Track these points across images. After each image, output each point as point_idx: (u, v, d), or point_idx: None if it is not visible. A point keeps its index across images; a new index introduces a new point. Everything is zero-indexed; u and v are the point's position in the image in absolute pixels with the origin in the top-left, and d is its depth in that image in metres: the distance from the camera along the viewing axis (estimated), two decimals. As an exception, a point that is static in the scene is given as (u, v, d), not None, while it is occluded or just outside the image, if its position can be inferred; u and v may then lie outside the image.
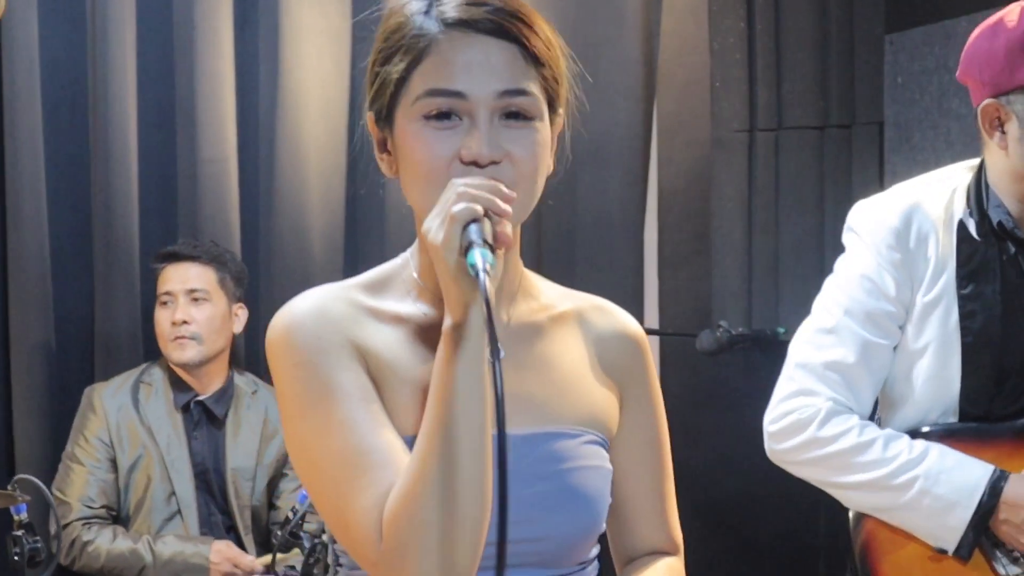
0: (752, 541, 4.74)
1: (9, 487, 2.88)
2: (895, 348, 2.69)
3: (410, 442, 1.58)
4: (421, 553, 1.49)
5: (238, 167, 4.32)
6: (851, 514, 2.74)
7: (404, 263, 1.74)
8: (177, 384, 3.93)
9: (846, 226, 2.76)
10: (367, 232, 4.49)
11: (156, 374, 3.95)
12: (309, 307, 1.64)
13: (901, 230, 2.65)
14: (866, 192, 4.82)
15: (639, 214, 4.63)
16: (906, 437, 2.64)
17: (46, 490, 3.01)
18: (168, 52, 4.28)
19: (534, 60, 1.62)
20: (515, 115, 1.60)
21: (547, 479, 1.65)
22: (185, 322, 3.88)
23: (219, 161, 4.26)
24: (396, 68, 1.62)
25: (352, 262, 4.45)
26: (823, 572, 4.62)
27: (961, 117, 4.44)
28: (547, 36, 1.64)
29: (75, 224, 4.21)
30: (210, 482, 3.91)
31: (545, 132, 1.63)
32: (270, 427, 3.97)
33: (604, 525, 1.73)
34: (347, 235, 4.47)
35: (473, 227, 1.48)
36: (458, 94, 1.58)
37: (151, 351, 4.16)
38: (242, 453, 3.92)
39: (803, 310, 4.79)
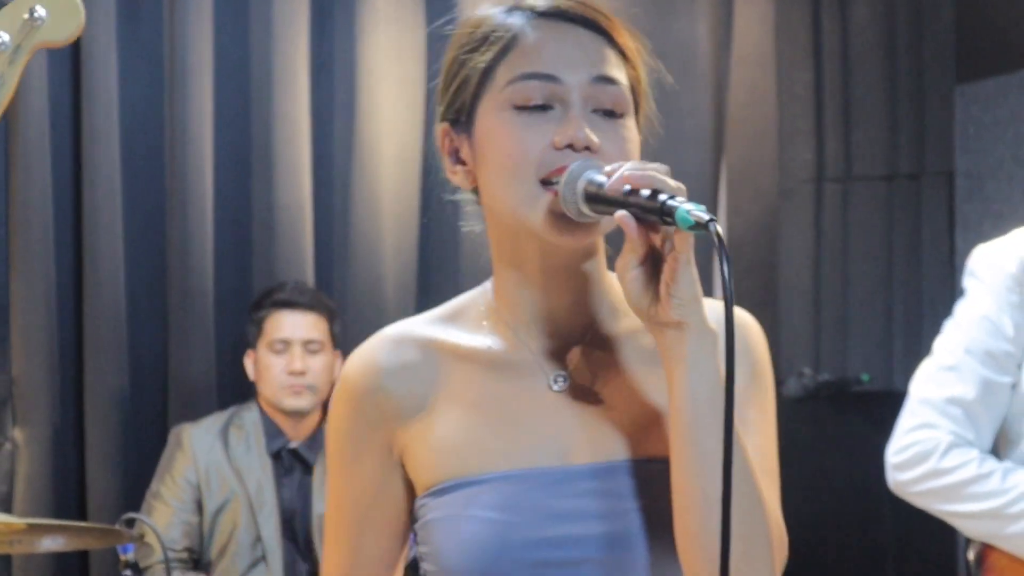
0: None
1: (117, 525, 2.84)
2: (1013, 387, 2.76)
3: (490, 479, 1.56)
4: None
5: (313, 213, 4.32)
6: (971, 544, 2.81)
7: (483, 291, 1.68)
8: (270, 429, 3.90)
9: (967, 270, 2.84)
10: (440, 281, 4.48)
11: (248, 418, 3.91)
12: (354, 384, 1.67)
13: (1019, 275, 2.73)
14: (935, 242, 4.88)
15: (707, 264, 4.62)
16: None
17: (157, 530, 2.97)
18: (245, 98, 4.29)
19: (621, 54, 1.59)
20: (605, 112, 1.56)
21: (620, 516, 1.56)
22: (303, 372, 3.86)
23: (294, 207, 4.26)
24: (481, 59, 1.57)
25: (424, 309, 4.37)
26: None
27: (1038, 168, 4.45)
28: (632, 35, 1.61)
29: (151, 269, 4.20)
30: (295, 529, 3.87)
31: (634, 130, 1.59)
32: (356, 478, 3.93)
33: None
34: (420, 283, 4.46)
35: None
36: (552, 78, 1.54)
37: (225, 397, 4.14)
38: None
39: (872, 360, 4.82)
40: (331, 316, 3.98)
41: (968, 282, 2.82)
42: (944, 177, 4.85)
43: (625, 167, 1.47)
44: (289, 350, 3.89)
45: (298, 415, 3.89)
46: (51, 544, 2.92)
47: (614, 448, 1.58)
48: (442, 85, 1.64)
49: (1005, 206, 4.51)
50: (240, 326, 4.15)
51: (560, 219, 1.53)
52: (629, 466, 1.57)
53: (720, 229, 1.38)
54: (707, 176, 4.59)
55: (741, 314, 1.63)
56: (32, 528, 2.74)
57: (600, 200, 1.48)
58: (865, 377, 4.13)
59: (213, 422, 3.91)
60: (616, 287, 1.62)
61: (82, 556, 4.06)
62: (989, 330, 2.74)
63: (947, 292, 4.82)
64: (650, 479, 1.56)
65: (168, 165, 4.16)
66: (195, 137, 4.15)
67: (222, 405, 4.09)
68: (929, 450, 2.73)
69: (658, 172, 1.45)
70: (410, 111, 4.42)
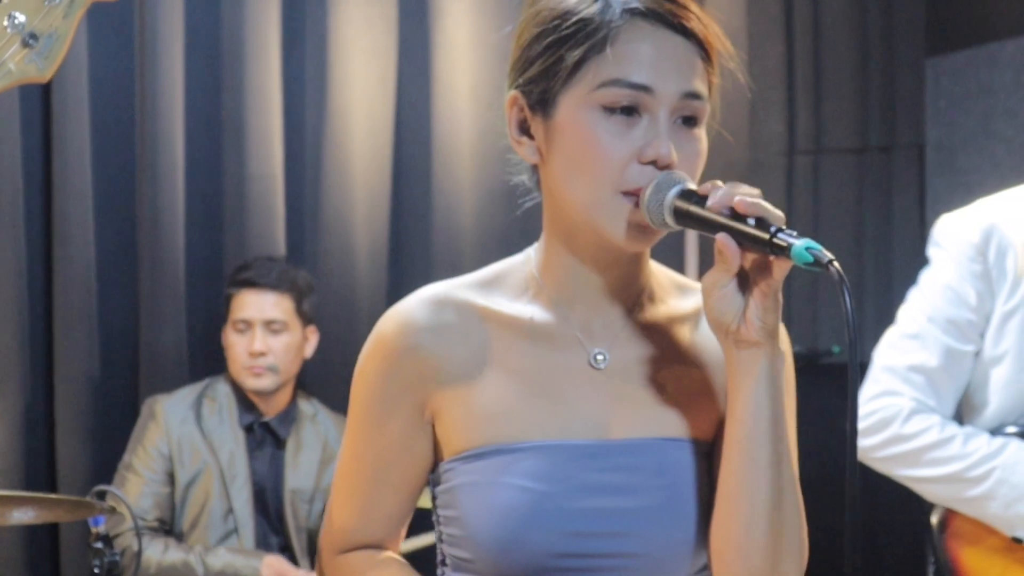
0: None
1: (88, 497, 2.83)
2: (976, 355, 2.81)
3: (526, 447, 1.59)
4: None
5: (284, 184, 4.30)
6: (935, 509, 2.86)
7: (525, 259, 1.70)
8: (243, 403, 3.90)
9: (931, 239, 2.90)
10: (412, 250, 4.48)
11: (221, 390, 3.91)
12: (390, 342, 1.66)
13: (981, 245, 2.77)
14: (905, 215, 4.89)
15: (680, 235, 4.62)
16: (986, 434, 2.76)
17: (127, 502, 2.96)
18: (216, 68, 4.27)
19: (708, 62, 1.59)
20: (686, 119, 1.57)
21: (653, 491, 1.59)
22: (263, 353, 3.84)
23: (265, 177, 4.24)
24: (574, 52, 1.56)
25: (396, 280, 4.43)
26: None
27: (1008, 140, 4.46)
28: (720, 39, 1.61)
29: (121, 240, 4.17)
30: (267, 503, 3.88)
31: (704, 140, 1.60)
32: (329, 451, 3.93)
33: (708, 548, 1.61)
34: (391, 253, 4.45)
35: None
36: (645, 88, 1.53)
37: (196, 368, 4.13)
38: (302, 475, 3.89)
39: (842, 332, 4.81)
40: (298, 295, 3.93)
41: (932, 251, 2.88)
42: (915, 150, 4.86)
43: (730, 191, 1.49)
44: (250, 330, 3.88)
45: (263, 394, 3.88)
46: (21, 516, 2.90)
47: (651, 426, 1.62)
48: (520, 57, 1.62)
49: (975, 178, 4.53)
50: (211, 297, 4.15)
51: (637, 229, 1.56)
52: (665, 445, 1.61)
53: (839, 267, 1.41)
54: (679, 148, 4.57)
55: None
56: (2, 500, 2.73)
57: (693, 218, 1.51)
58: (836, 349, 4.16)
59: (186, 394, 3.91)
60: (656, 274, 1.70)
61: (52, 528, 4.04)
62: (951, 299, 2.80)
63: (918, 265, 4.80)
64: (685, 459, 1.61)
65: (139, 136, 4.14)
66: (166, 107, 4.12)
67: (193, 377, 4.09)
68: (891, 416, 2.78)
69: (759, 199, 1.48)
70: (382, 82, 4.40)
